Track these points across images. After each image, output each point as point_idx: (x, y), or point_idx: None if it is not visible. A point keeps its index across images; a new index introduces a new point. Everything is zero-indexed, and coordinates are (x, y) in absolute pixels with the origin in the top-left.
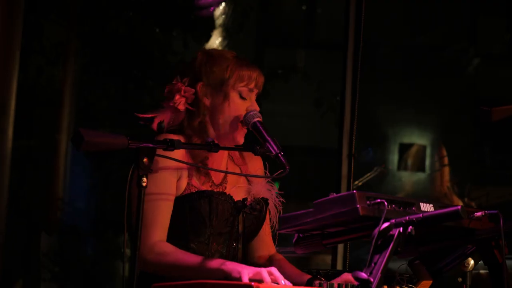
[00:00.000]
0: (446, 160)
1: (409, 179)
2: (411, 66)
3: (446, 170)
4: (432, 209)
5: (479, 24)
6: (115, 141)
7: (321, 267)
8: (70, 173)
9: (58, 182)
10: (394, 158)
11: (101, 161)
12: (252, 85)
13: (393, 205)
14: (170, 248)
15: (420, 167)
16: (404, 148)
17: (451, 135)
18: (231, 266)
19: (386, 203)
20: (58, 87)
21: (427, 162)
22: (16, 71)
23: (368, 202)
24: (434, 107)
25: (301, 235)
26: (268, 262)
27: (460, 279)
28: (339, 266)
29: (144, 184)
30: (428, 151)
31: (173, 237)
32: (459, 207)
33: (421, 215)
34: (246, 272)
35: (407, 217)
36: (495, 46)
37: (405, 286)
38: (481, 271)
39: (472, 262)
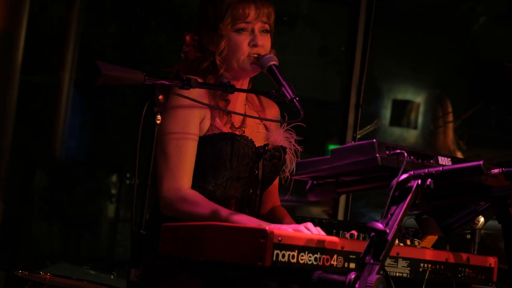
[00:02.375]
0: (451, 117)
1: (400, 135)
2: (415, 23)
3: (450, 127)
4: (450, 163)
5: None
6: (131, 76)
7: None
8: (70, 112)
9: (58, 121)
10: (387, 113)
11: (94, 100)
12: (249, 18)
13: (412, 157)
14: (201, 199)
15: (412, 124)
16: (398, 104)
17: (447, 94)
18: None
19: (405, 154)
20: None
21: (420, 119)
22: (27, 10)
23: (387, 152)
24: (432, 65)
25: (314, 182)
26: (271, 213)
27: (469, 236)
28: (340, 217)
29: (158, 121)
30: (421, 109)
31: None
32: (481, 162)
33: (440, 168)
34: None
35: (426, 170)
36: (501, 7)
37: (411, 239)
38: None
39: (482, 219)
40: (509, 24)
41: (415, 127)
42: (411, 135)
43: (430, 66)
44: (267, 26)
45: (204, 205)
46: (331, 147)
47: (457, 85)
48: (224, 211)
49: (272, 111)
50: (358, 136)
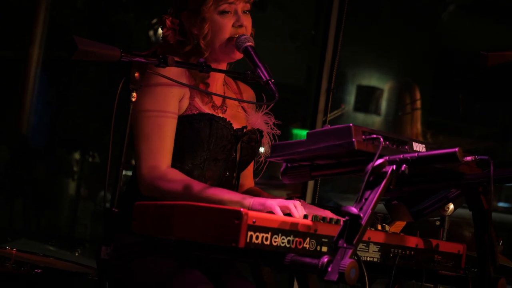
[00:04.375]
0: (419, 104)
1: (364, 121)
2: (381, 9)
3: (418, 113)
4: (424, 149)
5: None
6: (108, 52)
7: None
8: (38, 88)
9: (25, 96)
10: (351, 99)
11: (57, 76)
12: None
13: (387, 142)
14: (184, 177)
15: (376, 110)
16: (362, 90)
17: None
18: (257, 201)
19: (381, 139)
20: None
21: (384, 106)
22: None
23: (363, 136)
24: (398, 52)
25: (289, 165)
26: (247, 194)
27: (438, 223)
28: (308, 201)
29: (133, 99)
30: (385, 95)
31: None
32: (456, 149)
33: (416, 154)
34: (270, 204)
35: (402, 155)
36: None
37: (379, 224)
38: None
39: (452, 206)
40: (477, 13)
41: (379, 114)
42: (375, 121)
43: (396, 53)
44: (248, 6)
45: (184, 182)
46: (295, 131)
47: (423, 72)
48: (205, 188)
49: (249, 94)
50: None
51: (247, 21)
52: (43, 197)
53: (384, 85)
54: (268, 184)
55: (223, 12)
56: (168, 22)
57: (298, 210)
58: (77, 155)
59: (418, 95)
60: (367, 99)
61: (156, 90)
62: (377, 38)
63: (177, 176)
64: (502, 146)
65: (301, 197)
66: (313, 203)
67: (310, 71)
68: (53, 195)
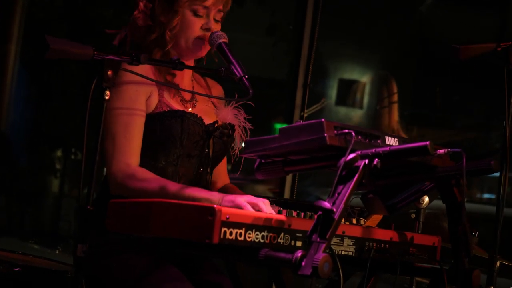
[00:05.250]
0: (395, 97)
1: (346, 115)
2: (362, 2)
3: (395, 107)
4: (397, 143)
5: None
6: (80, 51)
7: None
8: (16, 84)
9: (4, 93)
10: (333, 93)
11: (40, 73)
12: (208, 2)
13: (360, 137)
14: (151, 175)
15: (358, 104)
16: (344, 84)
17: (394, 74)
18: (225, 197)
19: (353, 133)
20: None
21: (366, 99)
22: None
23: (335, 131)
24: (379, 45)
25: (263, 161)
26: (223, 191)
27: (413, 215)
28: (286, 195)
29: (107, 97)
30: (367, 89)
31: (142, 154)
32: (427, 142)
33: (388, 148)
34: (240, 201)
35: (374, 150)
36: None
37: (357, 218)
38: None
39: (427, 199)
40: (456, 5)
41: (361, 107)
42: (357, 115)
43: (377, 45)
44: (221, 15)
45: (154, 181)
46: (278, 125)
47: (404, 64)
48: (174, 186)
49: (217, 90)
50: (305, 116)
51: (216, 28)
52: (26, 195)
53: (366, 78)
54: (248, 179)
55: (196, 14)
56: (141, 4)
57: (264, 209)
58: (59, 152)
59: (395, 89)
60: (349, 93)
61: (124, 88)
62: (358, 31)
63: (146, 175)
64: (484, 137)
65: (280, 192)
66: (291, 197)
67: (292, 66)
68: (36, 192)
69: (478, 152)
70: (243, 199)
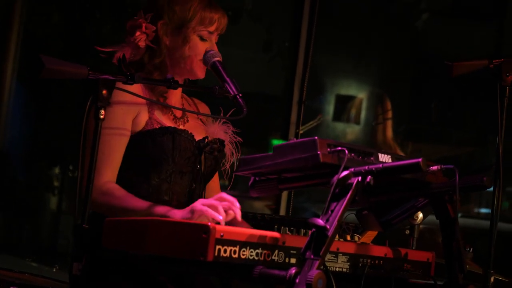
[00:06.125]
0: (390, 114)
1: (343, 130)
2: (356, 17)
3: (389, 123)
4: (390, 160)
5: None
6: (75, 71)
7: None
8: (13, 102)
9: (1, 111)
10: (330, 108)
11: (37, 91)
12: (213, 28)
13: (353, 154)
14: (119, 191)
15: (355, 120)
16: (341, 100)
17: (389, 89)
18: (180, 214)
19: (346, 151)
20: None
21: (363, 115)
22: None
23: (328, 149)
24: (375, 60)
25: (257, 178)
26: None
27: (408, 231)
28: (282, 212)
29: (102, 116)
30: (364, 104)
31: (134, 172)
32: (420, 159)
33: (380, 165)
34: (199, 207)
35: (367, 167)
36: (443, 3)
37: (351, 235)
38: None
39: (421, 215)
40: (451, 21)
41: (358, 123)
42: (354, 131)
43: (373, 61)
44: (217, 38)
45: (124, 198)
46: (275, 141)
47: (401, 80)
48: (143, 204)
49: (203, 107)
50: (301, 132)
51: (215, 46)
52: (24, 212)
53: (363, 94)
54: (244, 196)
55: (202, 38)
56: (143, 25)
57: (227, 198)
58: (57, 170)
59: (389, 106)
60: (346, 109)
61: (112, 107)
62: (355, 47)
63: (117, 192)
64: (482, 151)
65: (276, 208)
66: (287, 214)
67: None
68: (34, 209)
69: (472, 168)
70: (199, 203)
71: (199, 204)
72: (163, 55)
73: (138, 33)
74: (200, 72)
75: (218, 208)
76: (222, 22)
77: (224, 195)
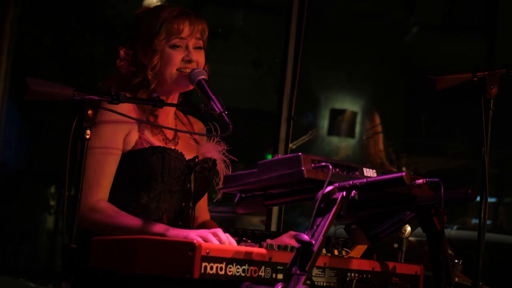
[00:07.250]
0: (379, 128)
1: (338, 144)
2: (348, 31)
3: (379, 137)
4: (375, 174)
5: None
6: (60, 92)
7: (247, 228)
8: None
9: None
10: (325, 123)
11: (31, 111)
12: (184, 35)
13: (337, 169)
14: (112, 209)
15: (350, 133)
16: (335, 114)
17: (383, 103)
18: (175, 232)
19: (330, 166)
20: None
21: (357, 128)
22: None
23: (313, 165)
24: (368, 74)
25: (243, 195)
26: (202, 227)
27: (396, 245)
28: (273, 228)
29: (87, 136)
30: (359, 118)
31: (123, 191)
32: (403, 173)
33: (365, 180)
34: (192, 236)
35: (351, 182)
36: (434, 16)
37: (340, 249)
38: (411, 238)
39: (409, 228)
40: (442, 34)
41: (353, 136)
42: (349, 144)
43: (366, 75)
44: (200, 43)
45: (115, 216)
46: (269, 156)
47: (394, 94)
48: (135, 221)
49: (198, 126)
50: (294, 147)
51: (198, 56)
52: (20, 232)
53: (357, 108)
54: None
55: (174, 46)
56: (122, 52)
57: (222, 237)
58: (53, 189)
59: (377, 120)
60: (340, 123)
61: (101, 127)
62: (347, 61)
63: (109, 210)
64: (475, 163)
65: (267, 224)
66: (278, 229)
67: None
68: (31, 229)
69: (459, 180)
70: (194, 234)
71: (193, 233)
72: (142, 73)
73: (118, 61)
74: (184, 82)
75: (209, 237)
76: (195, 27)
77: (219, 232)
